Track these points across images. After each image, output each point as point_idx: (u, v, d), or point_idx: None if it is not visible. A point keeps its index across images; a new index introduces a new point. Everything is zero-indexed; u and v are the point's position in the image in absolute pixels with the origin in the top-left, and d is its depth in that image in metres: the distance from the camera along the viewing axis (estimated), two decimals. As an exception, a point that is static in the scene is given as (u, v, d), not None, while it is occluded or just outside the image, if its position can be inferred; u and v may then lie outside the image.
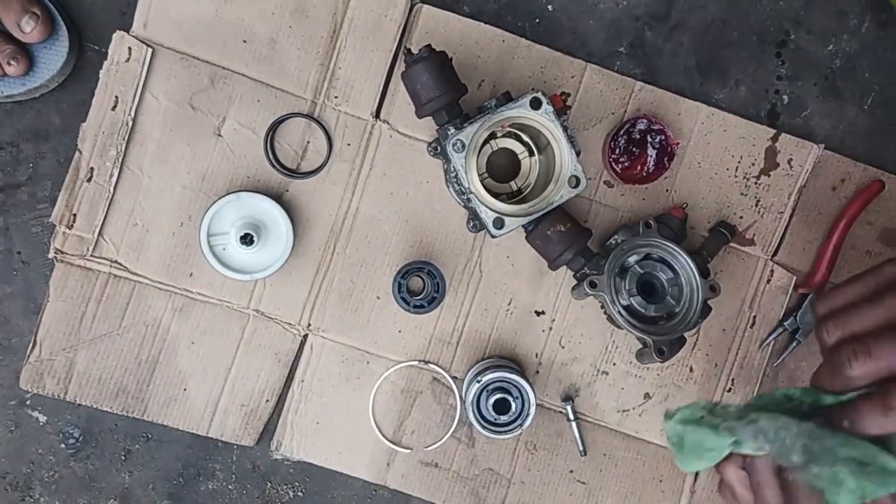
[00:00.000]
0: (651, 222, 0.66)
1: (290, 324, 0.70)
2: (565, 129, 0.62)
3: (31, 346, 0.67)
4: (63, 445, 0.71)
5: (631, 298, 0.64)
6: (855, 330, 0.40)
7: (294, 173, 0.68)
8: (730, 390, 0.72)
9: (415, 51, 0.63)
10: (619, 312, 0.64)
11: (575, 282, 0.68)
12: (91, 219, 0.67)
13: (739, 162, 0.71)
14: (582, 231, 0.65)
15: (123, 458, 0.71)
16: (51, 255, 0.67)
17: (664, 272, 0.65)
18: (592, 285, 0.64)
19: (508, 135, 0.66)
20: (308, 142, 0.68)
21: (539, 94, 0.60)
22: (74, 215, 0.67)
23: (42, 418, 0.70)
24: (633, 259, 0.66)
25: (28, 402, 0.70)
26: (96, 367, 0.68)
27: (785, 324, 0.71)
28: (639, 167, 0.68)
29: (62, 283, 0.67)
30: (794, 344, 0.72)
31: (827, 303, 0.43)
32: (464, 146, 0.61)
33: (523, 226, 0.65)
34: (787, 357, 0.72)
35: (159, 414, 0.69)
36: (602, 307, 0.69)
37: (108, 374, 0.69)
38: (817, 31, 0.71)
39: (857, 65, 0.72)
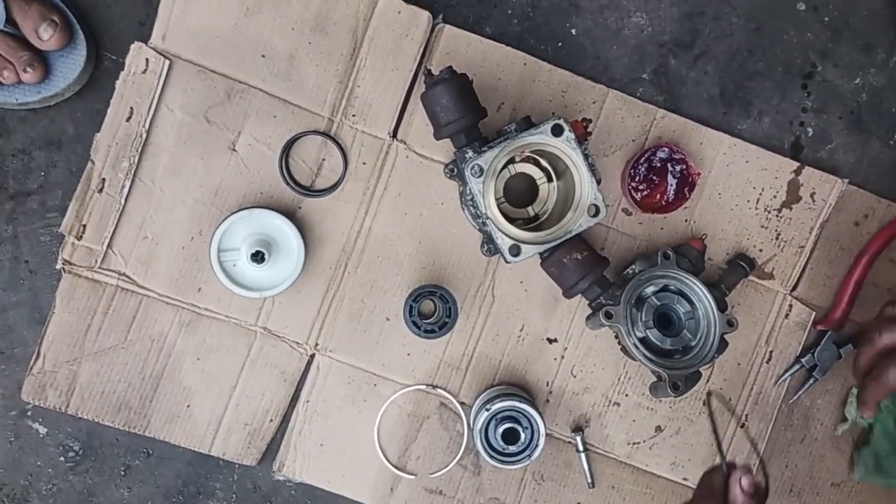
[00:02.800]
0: (669, 253, 0.64)
1: (297, 343, 0.68)
2: (586, 156, 0.61)
3: (34, 357, 0.66)
4: (62, 458, 0.69)
5: (647, 331, 0.63)
6: None
7: (308, 191, 0.67)
8: (743, 426, 0.70)
9: (435, 72, 0.62)
10: (635, 345, 0.63)
11: (590, 311, 0.66)
12: (101, 230, 0.66)
13: (761, 194, 0.69)
14: (599, 260, 0.63)
15: (123, 473, 0.70)
16: (59, 265, 0.66)
17: (681, 304, 0.64)
18: (608, 316, 0.63)
19: (527, 159, 0.65)
20: (323, 159, 0.67)
21: (561, 121, 0.59)
22: (84, 226, 0.66)
23: (42, 430, 0.69)
24: (650, 290, 0.64)
25: (29, 413, 0.69)
26: (100, 380, 0.67)
27: (802, 360, 0.70)
28: (658, 196, 0.67)
29: (69, 294, 0.66)
30: (811, 381, 0.70)
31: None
32: (482, 171, 0.60)
33: (540, 253, 0.64)
34: (802, 394, 0.70)
35: (161, 430, 0.68)
36: (616, 337, 0.67)
37: (112, 388, 0.67)
38: (844, 63, 0.70)
39: (883, 99, 0.70)
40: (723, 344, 0.64)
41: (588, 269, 0.62)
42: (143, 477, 0.70)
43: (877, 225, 0.70)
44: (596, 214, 0.61)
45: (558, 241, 0.61)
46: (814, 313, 0.70)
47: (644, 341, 0.63)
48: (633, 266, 0.65)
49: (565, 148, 0.60)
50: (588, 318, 0.67)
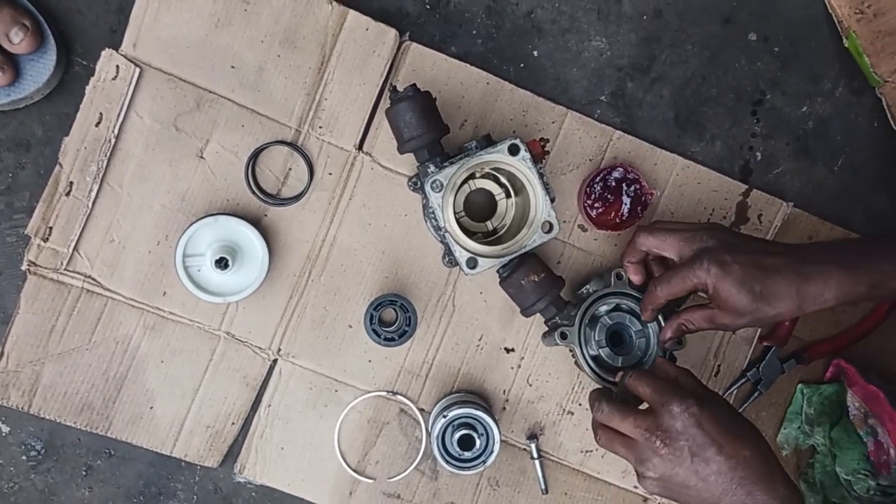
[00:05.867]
0: (622, 273, 0.67)
1: (260, 348, 0.70)
2: (541, 175, 0.63)
3: (-3, 356, 0.67)
4: (24, 458, 0.70)
5: (600, 350, 0.65)
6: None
7: (274, 199, 0.69)
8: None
9: (400, 88, 0.64)
10: (588, 363, 0.65)
11: (546, 327, 0.69)
12: (67, 233, 0.67)
13: (711, 214, 0.72)
14: (555, 281, 0.66)
15: (84, 473, 0.71)
16: (24, 266, 0.67)
17: (633, 323, 0.66)
18: (563, 337, 0.65)
19: (487, 176, 0.67)
20: (290, 169, 0.69)
21: (517, 141, 0.62)
22: (50, 228, 0.67)
23: (5, 429, 0.70)
24: (603, 309, 0.67)
25: (-9, 412, 0.69)
26: (63, 381, 0.68)
27: (748, 374, 0.73)
28: (613, 214, 0.69)
29: (33, 295, 0.67)
30: (756, 394, 0.73)
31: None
32: (442, 186, 0.62)
33: (497, 271, 0.66)
34: (748, 406, 0.73)
35: (124, 431, 0.69)
36: (571, 352, 0.70)
37: (74, 389, 0.68)
38: (792, 92, 0.73)
39: (829, 127, 0.74)
40: (672, 361, 0.66)
41: (545, 290, 0.64)
42: (105, 477, 0.71)
43: (820, 246, 0.73)
44: (549, 231, 0.63)
45: (514, 255, 0.64)
46: (759, 329, 0.73)
47: (596, 359, 0.66)
48: (588, 286, 0.68)
49: (521, 166, 0.62)
50: (544, 335, 0.69)
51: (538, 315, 0.71)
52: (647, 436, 0.55)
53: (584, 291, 0.67)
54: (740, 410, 0.73)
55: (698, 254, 0.59)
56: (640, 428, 0.56)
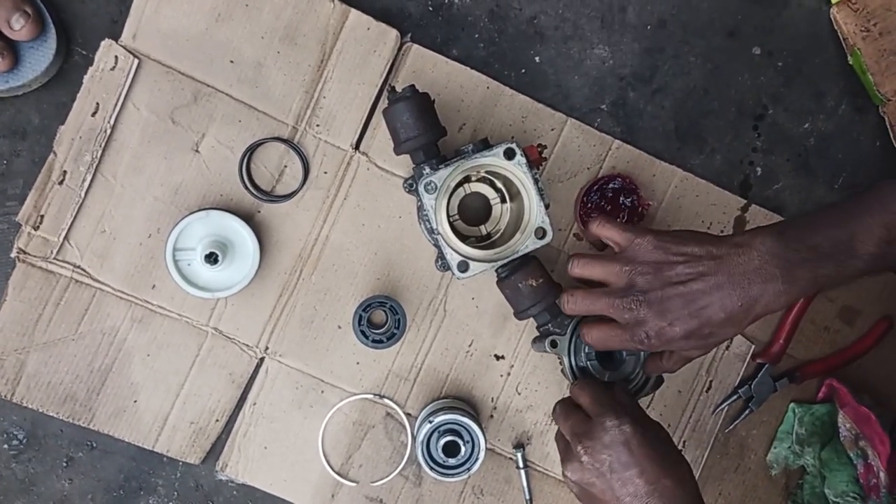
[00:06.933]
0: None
1: (247, 345, 0.69)
2: (536, 181, 0.62)
3: (-18, 343, 0.67)
4: (6, 446, 0.70)
5: (588, 362, 0.64)
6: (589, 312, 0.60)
7: (267, 196, 0.69)
8: (680, 451, 0.72)
9: (399, 89, 0.63)
10: (574, 374, 0.64)
11: (536, 333, 0.68)
12: (58, 222, 0.66)
13: (709, 228, 0.71)
14: (553, 287, 0.65)
15: (65, 464, 0.70)
16: (13, 254, 0.66)
17: (625, 337, 0.66)
18: (553, 345, 0.64)
19: (482, 180, 0.67)
20: (285, 166, 0.69)
21: (513, 146, 0.61)
22: (42, 216, 0.66)
23: (-14, 417, 0.69)
24: (596, 320, 0.66)
25: (-26, 400, 0.69)
26: (47, 370, 0.68)
27: (740, 391, 0.72)
28: (609, 224, 0.69)
29: (21, 283, 0.67)
30: (747, 412, 0.72)
31: (579, 267, 0.60)
32: (436, 188, 0.61)
33: (496, 271, 0.65)
34: (738, 424, 0.73)
35: (106, 424, 0.68)
36: (560, 362, 0.69)
37: (59, 380, 0.68)
38: (795, 108, 0.73)
39: (830, 145, 0.73)
40: (659, 380, 0.65)
41: (541, 295, 0.64)
42: (86, 469, 0.70)
43: (818, 265, 0.72)
44: (543, 237, 0.63)
45: (506, 261, 0.63)
46: (753, 346, 0.72)
47: (584, 370, 0.65)
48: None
49: (517, 171, 0.62)
50: (534, 340, 0.68)
51: (529, 325, 0.70)
52: (575, 441, 0.57)
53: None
54: (730, 428, 0.73)
55: (634, 323, 0.56)
56: (573, 431, 0.58)
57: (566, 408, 0.61)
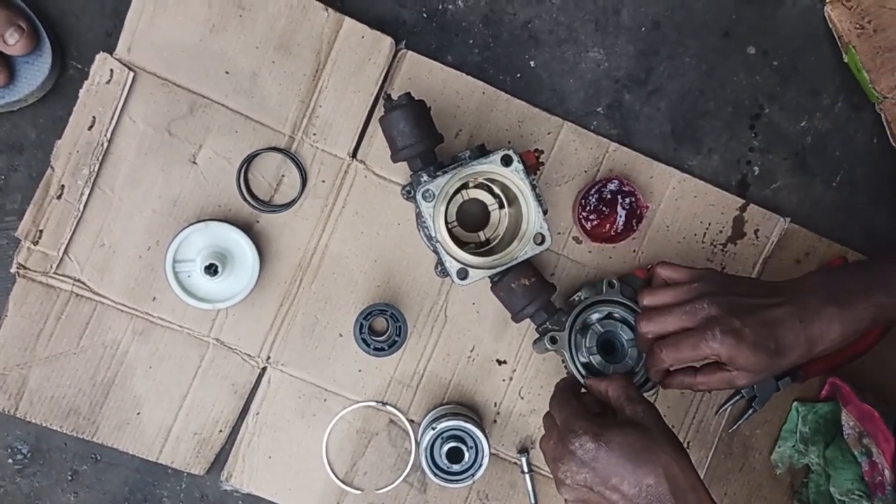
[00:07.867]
0: (614, 282, 0.66)
1: (249, 355, 0.69)
2: (534, 187, 0.62)
3: (-16, 359, 0.67)
4: (10, 461, 0.70)
5: (591, 356, 0.65)
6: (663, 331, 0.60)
7: (266, 206, 0.69)
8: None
9: (395, 97, 0.63)
10: (578, 370, 0.65)
11: (537, 335, 0.68)
12: (57, 236, 0.67)
13: (707, 228, 0.71)
14: (546, 286, 0.65)
15: (70, 478, 0.70)
16: (13, 269, 0.66)
17: (625, 332, 0.66)
18: (553, 341, 0.64)
19: (480, 186, 0.67)
20: (283, 175, 0.69)
21: (510, 152, 0.61)
22: (41, 231, 0.66)
23: (-10, 432, 0.69)
24: (594, 317, 0.66)
25: (-23, 415, 0.69)
26: (49, 385, 0.68)
27: (743, 391, 0.72)
28: (608, 226, 0.69)
29: (22, 298, 0.67)
30: (751, 412, 0.72)
31: (649, 299, 0.62)
32: (433, 196, 0.61)
33: (490, 277, 0.65)
34: (742, 423, 0.73)
35: (110, 437, 0.68)
36: (563, 362, 0.69)
37: (62, 394, 0.68)
38: (791, 107, 0.73)
39: (827, 143, 0.73)
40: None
41: (535, 294, 0.64)
42: (90, 482, 0.70)
43: (817, 263, 0.72)
44: (542, 243, 0.63)
45: (505, 267, 0.63)
46: (754, 346, 0.72)
47: (587, 366, 0.65)
48: (580, 293, 0.67)
49: (514, 177, 0.62)
50: (534, 342, 0.68)
51: (530, 329, 0.70)
52: (554, 466, 0.57)
53: (576, 299, 0.67)
54: (734, 428, 0.72)
55: (705, 323, 0.58)
56: (551, 457, 0.58)
57: (546, 426, 0.61)
